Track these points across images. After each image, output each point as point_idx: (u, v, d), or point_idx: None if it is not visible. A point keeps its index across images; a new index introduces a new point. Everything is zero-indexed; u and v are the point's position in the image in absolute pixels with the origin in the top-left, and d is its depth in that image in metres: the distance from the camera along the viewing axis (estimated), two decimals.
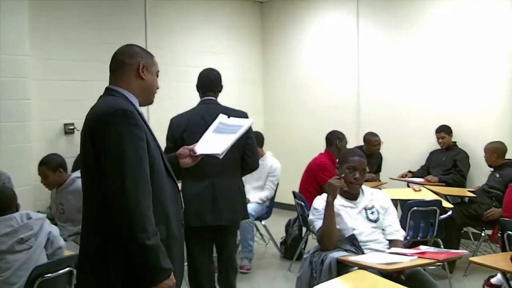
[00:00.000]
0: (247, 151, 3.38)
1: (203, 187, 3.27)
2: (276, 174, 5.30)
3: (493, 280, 4.01)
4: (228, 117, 2.67)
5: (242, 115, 3.25)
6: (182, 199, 2.13)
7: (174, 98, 5.84)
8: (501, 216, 4.11)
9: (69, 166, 4.14)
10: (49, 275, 2.46)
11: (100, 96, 2.05)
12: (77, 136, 5.60)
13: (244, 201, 3.52)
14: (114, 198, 1.79)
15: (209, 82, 3.46)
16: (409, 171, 6.01)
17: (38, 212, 3.70)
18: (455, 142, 5.78)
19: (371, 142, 5.98)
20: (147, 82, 2.07)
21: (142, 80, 2.05)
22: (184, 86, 6.36)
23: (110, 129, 1.83)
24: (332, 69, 7.14)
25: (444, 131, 5.77)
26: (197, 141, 2.46)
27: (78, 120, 5.46)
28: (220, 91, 3.52)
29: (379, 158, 6.19)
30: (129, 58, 2.04)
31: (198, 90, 3.51)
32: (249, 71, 7.80)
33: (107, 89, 2.05)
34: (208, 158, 2.47)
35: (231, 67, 7.19)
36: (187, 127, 3.26)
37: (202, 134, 2.52)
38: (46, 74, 5.48)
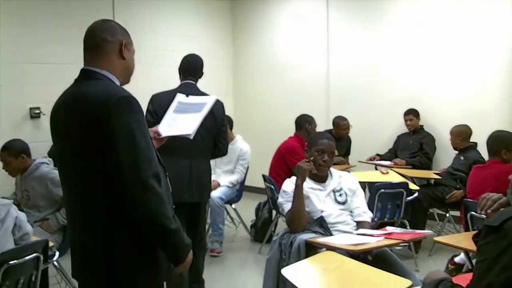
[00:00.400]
0: (221, 138, 3.59)
1: (182, 167, 3.43)
2: (246, 158, 5.32)
3: (456, 259, 4.13)
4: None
5: (221, 102, 3.50)
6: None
7: (145, 81, 5.75)
8: (463, 198, 4.23)
9: (35, 151, 4.05)
10: (15, 261, 2.42)
11: (79, 79, 1.86)
12: (43, 121, 5.48)
13: (210, 181, 3.76)
14: (134, 190, 1.70)
15: (192, 67, 3.64)
16: (377, 154, 6.11)
17: (3, 198, 3.63)
18: (422, 125, 5.89)
19: (340, 125, 6.04)
20: (128, 62, 1.92)
21: (123, 60, 1.90)
22: (154, 69, 6.31)
23: (119, 119, 1.71)
24: (302, 54, 7.16)
25: (412, 113, 5.87)
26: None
27: (45, 104, 5.40)
28: (200, 77, 3.67)
29: (348, 141, 6.26)
30: (110, 35, 1.87)
31: (180, 73, 3.67)
32: (219, 56, 7.74)
33: (88, 71, 1.86)
34: (187, 140, 2.65)
35: (200, 51, 7.03)
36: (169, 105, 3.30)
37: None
38: (10, 57, 5.33)
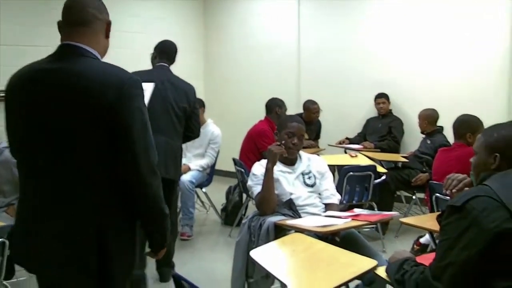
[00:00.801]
0: (193, 120, 3.72)
1: (159, 143, 3.41)
2: (217, 141, 5.30)
3: (422, 240, 4.24)
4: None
5: (188, 87, 3.69)
6: None
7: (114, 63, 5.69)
8: (429, 180, 4.32)
9: None
10: None
11: (63, 54, 1.69)
12: None
13: (181, 162, 3.87)
14: (145, 173, 1.66)
15: (169, 50, 3.77)
16: (347, 138, 6.18)
17: None
18: (390, 109, 5.98)
19: (310, 109, 6.07)
20: (107, 42, 1.81)
21: (106, 40, 1.79)
22: (122, 52, 6.17)
23: (134, 102, 1.65)
24: (273, 38, 7.14)
25: (384, 97, 5.94)
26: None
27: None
28: (172, 63, 3.80)
29: (318, 125, 6.31)
30: (99, 12, 1.74)
31: (154, 56, 3.80)
32: (190, 38, 7.66)
33: (75, 47, 1.69)
34: (164, 119, 3.33)
35: (172, 33, 7.01)
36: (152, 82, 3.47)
37: (160, 93, 3.16)
38: None
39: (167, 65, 3.73)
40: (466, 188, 2.02)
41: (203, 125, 5.26)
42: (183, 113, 3.62)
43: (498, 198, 1.61)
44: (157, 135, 3.37)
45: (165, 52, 3.76)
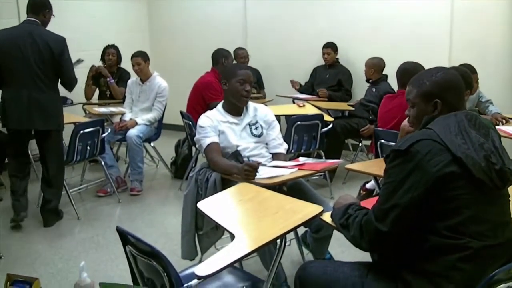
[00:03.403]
0: (61, 72, 3.91)
1: (21, 96, 3.79)
2: (164, 95, 5.18)
3: (367, 185, 4.37)
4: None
5: (52, 38, 3.81)
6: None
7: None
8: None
9: None
10: None
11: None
12: None
13: (58, 113, 4.04)
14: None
15: (33, 4, 3.85)
16: (301, 85, 6.14)
17: None
18: (337, 58, 5.98)
19: (239, 55, 6.00)
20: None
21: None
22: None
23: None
24: None
25: (330, 47, 5.91)
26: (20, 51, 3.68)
27: None
28: (45, 16, 3.89)
29: (256, 74, 6.23)
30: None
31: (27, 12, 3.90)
32: None
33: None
34: (26, 73, 3.72)
35: None
36: (11, 38, 3.75)
37: (20, 49, 3.68)
38: None
39: (34, 19, 3.83)
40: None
41: (149, 78, 5.15)
42: (48, 65, 3.80)
43: (442, 141, 1.65)
44: (20, 89, 3.82)
45: (30, 5, 3.85)
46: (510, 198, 1.79)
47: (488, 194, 1.67)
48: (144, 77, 5.15)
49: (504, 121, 4.26)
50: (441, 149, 1.64)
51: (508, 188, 1.76)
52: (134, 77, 5.32)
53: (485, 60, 5.06)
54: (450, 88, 1.82)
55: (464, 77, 2.97)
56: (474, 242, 1.61)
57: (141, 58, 5.09)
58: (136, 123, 4.99)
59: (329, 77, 5.92)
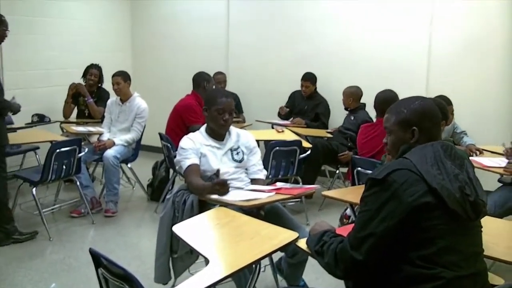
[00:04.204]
0: None
1: None
2: (144, 116, 5.16)
3: (348, 212, 4.39)
4: None
5: None
6: None
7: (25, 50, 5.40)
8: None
9: None
10: None
11: None
12: None
13: None
14: None
15: None
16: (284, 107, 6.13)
17: None
18: (315, 89, 6.00)
19: (216, 79, 6.05)
20: None
21: None
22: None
23: None
24: (201, 10, 6.99)
25: (309, 80, 5.91)
26: None
27: None
28: None
29: (236, 97, 6.26)
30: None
31: None
32: (116, 9, 7.35)
33: None
34: None
35: (97, 6, 6.78)
36: None
37: None
38: None
39: None
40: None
41: (129, 98, 5.14)
42: None
43: (418, 171, 1.67)
44: None
45: None
46: (482, 229, 1.81)
47: (462, 225, 1.69)
48: (124, 97, 5.14)
49: (478, 152, 4.34)
50: (417, 179, 1.66)
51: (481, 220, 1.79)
52: (114, 97, 5.29)
53: (461, 92, 5.18)
54: (427, 117, 1.85)
55: (440, 108, 3.05)
56: (447, 272, 1.62)
57: (121, 77, 5.09)
58: (114, 143, 4.95)
59: (307, 108, 5.90)
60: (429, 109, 1.87)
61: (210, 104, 3.10)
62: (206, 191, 2.80)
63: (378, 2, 5.74)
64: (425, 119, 1.85)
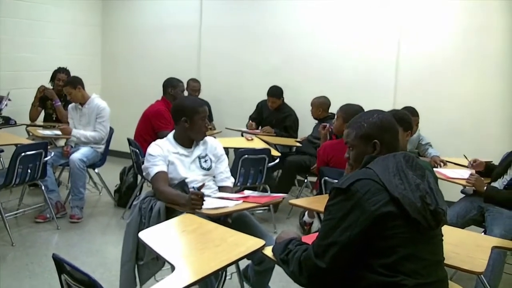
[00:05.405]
0: None
1: None
2: (104, 115, 5.02)
3: (305, 219, 4.48)
4: None
5: None
6: None
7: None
8: None
9: None
10: None
11: None
12: None
13: None
14: None
15: None
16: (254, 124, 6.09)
17: None
18: (283, 99, 5.98)
19: (190, 86, 6.10)
20: None
21: None
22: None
23: None
24: (173, 17, 6.98)
25: (275, 96, 5.85)
26: None
27: None
28: None
29: (207, 105, 6.24)
30: None
31: None
32: (87, 14, 7.26)
33: None
34: None
35: (66, 6, 6.69)
36: None
37: None
38: None
39: None
40: None
41: (88, 101, 5.04)
42: None
43: (380, 181, 1.71)
44: None
45: None
46: (443, 238, 1.87)
47: (423, 234, 1.73)
48: (82, 101, 5.04)
49: (442, 164, 4.44)
50: (380, 188, 1.70)
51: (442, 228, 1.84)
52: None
53: (429, 104, 5.32)
54: (387, 130, 1.92)
55: (403, 119, 3.14)
56: (408, 280, 1.66)
57: (69, 87, 4.98)
58: (71, 132, 4.90)
59: (275, 122, 5.89)
60: (389, 122, 1.95)
61: (193, 113, 3.08)
62: (180, 202, 2.76)
63: (349, 17, 5.86)
64: (385, 132, 1.91)
